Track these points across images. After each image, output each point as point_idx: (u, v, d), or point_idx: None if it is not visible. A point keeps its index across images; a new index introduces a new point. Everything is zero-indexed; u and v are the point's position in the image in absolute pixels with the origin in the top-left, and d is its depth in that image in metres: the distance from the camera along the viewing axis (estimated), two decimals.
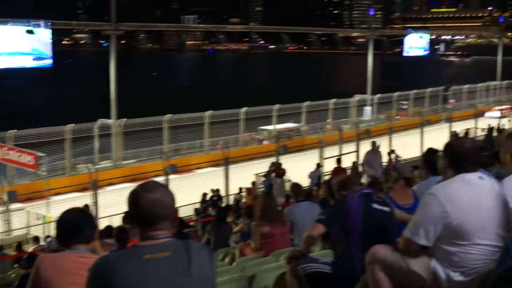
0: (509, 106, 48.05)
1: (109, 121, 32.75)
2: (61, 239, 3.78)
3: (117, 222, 14.93)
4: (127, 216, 2.92)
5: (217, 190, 23.72)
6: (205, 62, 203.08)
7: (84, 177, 25.41)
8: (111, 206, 19.58)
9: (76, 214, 3.80)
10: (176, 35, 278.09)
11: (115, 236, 9.21)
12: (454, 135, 21.53)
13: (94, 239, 3.83)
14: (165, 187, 2.91)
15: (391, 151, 26.84)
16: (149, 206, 2.77)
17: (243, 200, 22.67)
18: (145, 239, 2.79)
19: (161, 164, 23.72)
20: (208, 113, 34.97)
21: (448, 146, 4.00)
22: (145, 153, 33.38)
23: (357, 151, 27.32)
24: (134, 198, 2.82)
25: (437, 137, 24.62)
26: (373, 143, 20.26)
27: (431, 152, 6.45)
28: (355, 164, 26.14)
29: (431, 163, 5.98)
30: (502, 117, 41.70)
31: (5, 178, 23.74)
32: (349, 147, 28.03)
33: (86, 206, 17.89)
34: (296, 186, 9.82)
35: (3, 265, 14.13)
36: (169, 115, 33.22)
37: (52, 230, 20.52)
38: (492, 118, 39.87)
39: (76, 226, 3.71)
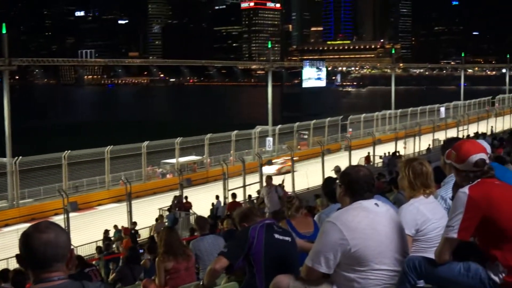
0: (287, 159, 39.35)
1: (4, 160, 31.61)
2: None
3: (14, 265, 14.29)
4: (18, 259, 2.78)
5: (135, 223, 22.88)
6: (104, 96, 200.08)
7: None
8: (8, 248, 18.74)
9: None
10: (74, 69, 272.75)
11: (11, 279, 8.80)
12: (337, 170, 21.85)
13: None
14: (59, 226, 2.80)
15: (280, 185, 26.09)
16: (42, 247, 2.65)
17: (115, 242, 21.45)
18: (38, 282, 2.67)
19: (60, 202, 23.03)
20: (108, 148, 34.33)
21: (343, 174, 4.09)
22: (43, 191, 32.32)
23: (260, 181, 27.57)
24: (25, 240, 2.69)
25: (337, 165, 25.20)
26: (268, 178, 20.14)
27: (329, 180, 6.58)
28: (250, 197, 26.27)
29: (330, 192, 6.10)
30: (278, 174, 35.03)
31: None
32: (253, 177, 28.28)
33: None
34: (201, 220, 9.75)
35: None
36: (67, 151, 32.35)
37: None
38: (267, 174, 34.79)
39: None
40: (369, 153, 38.39)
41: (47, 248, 2.66)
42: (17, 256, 2.79)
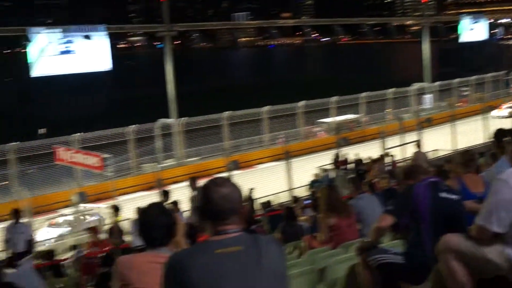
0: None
1: (169, 121, 33.20)
2: (143, 239, 3.84)
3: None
4: (197, 211, 3.00)
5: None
6: (260, 58, 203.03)
7: (149, 176, 25.85)
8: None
9: (153, 217, 3.76)
10: (229, 33, 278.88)
11: (187, 232, 9.39)
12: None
13: (177, 234, 3.85)
14: (233, 182, 2.97)
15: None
16: (220, 201, 2.83)
17: None
18: (216, 234, 2.85)
19: (222, 160, 23.88)
20: (266, 108, 35.06)
21: None
22: (206, 150, 33.69)
23: (419, 140, 26.93)
24: (205, 193, 2.87)
25: (502, 123, 23.97)
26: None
27: (501, 132, 6.37)
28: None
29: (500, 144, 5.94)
30: (509, 116, 36.55)
31: (74, 180, 24.26)
32: (411, 136, 27.65)
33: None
34: (355, 179, 9.88)
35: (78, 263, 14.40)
36: (228, 112, 33.46)
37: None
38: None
39: (152, 229, 3.71)
40: None
41: (224, 201, 2.83)
42: (196, 208, 3.00)
